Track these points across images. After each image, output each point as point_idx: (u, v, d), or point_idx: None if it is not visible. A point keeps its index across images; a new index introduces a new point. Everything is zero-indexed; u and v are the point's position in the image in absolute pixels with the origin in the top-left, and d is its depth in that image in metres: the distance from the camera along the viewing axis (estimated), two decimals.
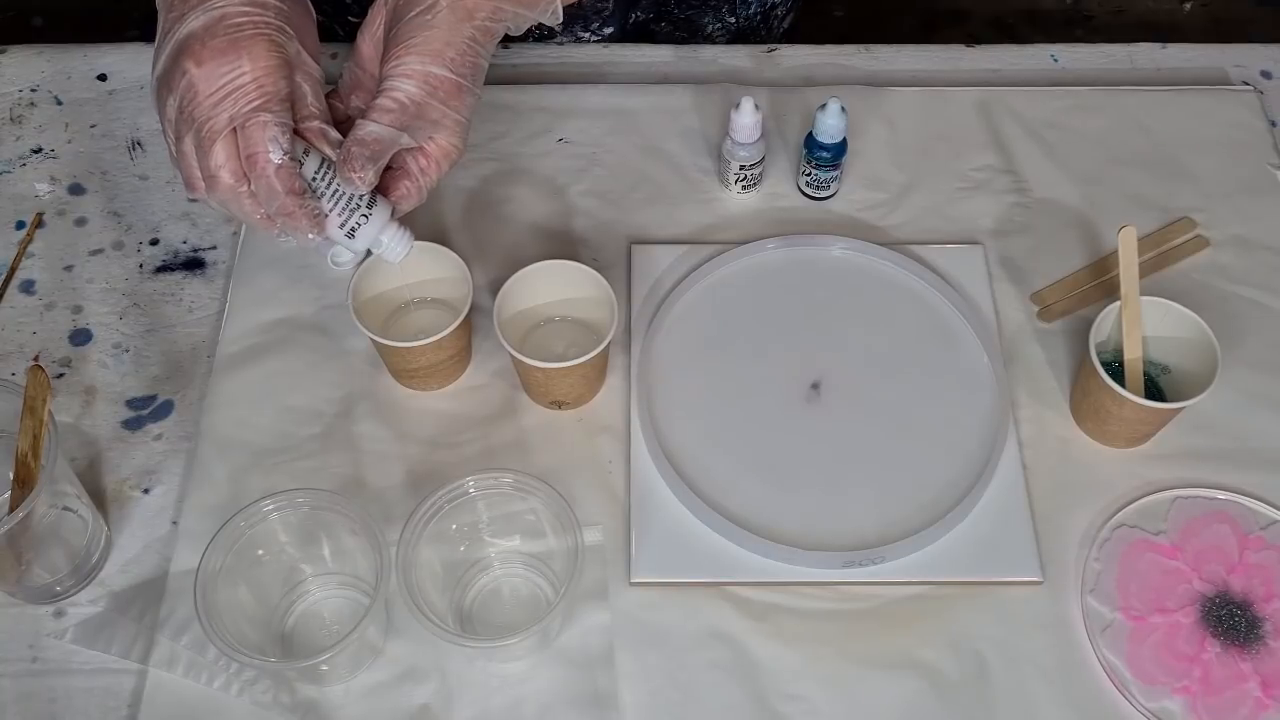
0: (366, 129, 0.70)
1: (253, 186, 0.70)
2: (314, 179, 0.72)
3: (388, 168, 0.75)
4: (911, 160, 0.96)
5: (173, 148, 0.71)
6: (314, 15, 0.74)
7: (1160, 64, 1.03)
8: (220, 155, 0.68)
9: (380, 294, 0.83)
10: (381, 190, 0.75)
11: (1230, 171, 0.95)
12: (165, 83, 0.69)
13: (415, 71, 0.70)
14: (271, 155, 0.68)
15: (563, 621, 0.74)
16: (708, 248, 0.90)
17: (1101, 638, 0.75)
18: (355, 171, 0.70)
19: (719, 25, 1.06)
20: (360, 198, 0.74)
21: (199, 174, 0.70)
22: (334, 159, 0.73)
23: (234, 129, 0.68)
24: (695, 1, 1.04)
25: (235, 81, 0.67)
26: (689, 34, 1.06)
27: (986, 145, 0.97)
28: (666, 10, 1.04)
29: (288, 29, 0.70)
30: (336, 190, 0.73)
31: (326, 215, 0.73)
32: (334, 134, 0.73)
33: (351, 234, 0.74)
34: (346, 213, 0.73)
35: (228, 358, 0.85)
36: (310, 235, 0.72)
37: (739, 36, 1.08)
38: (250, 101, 0.67)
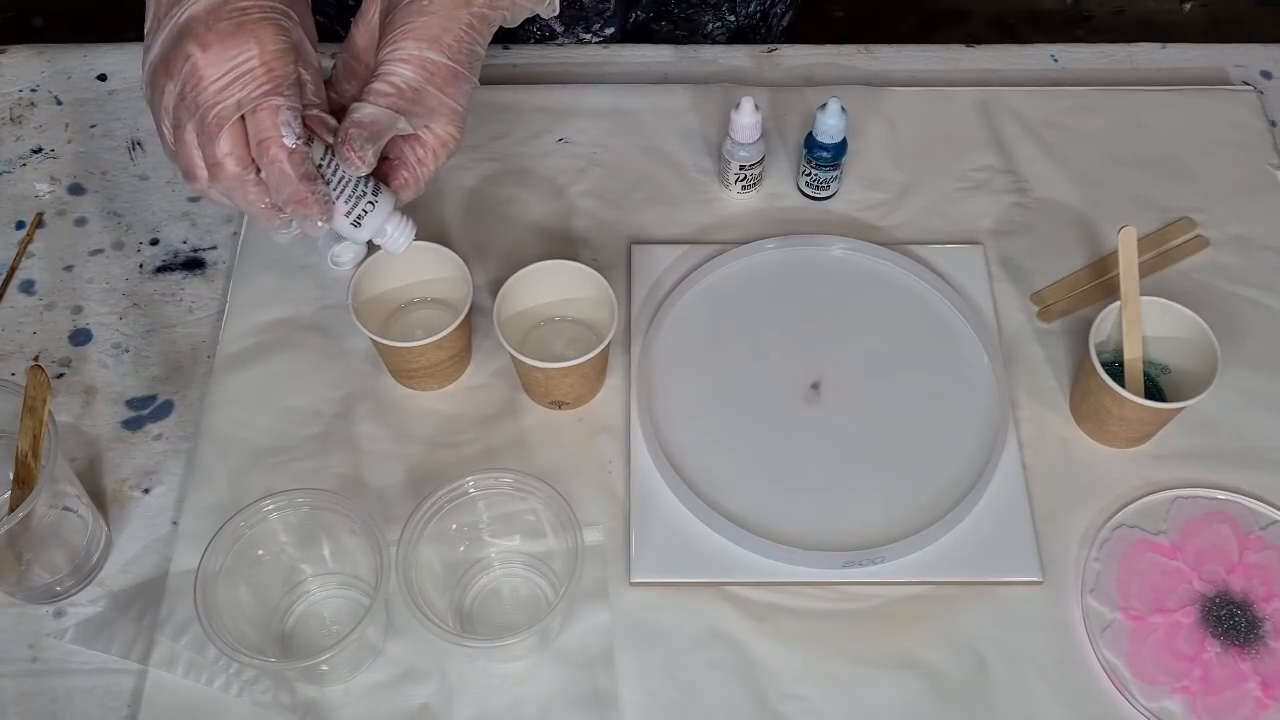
0: (363, 111, 0.70)
1: (263, 174, 0.69)
2: (320, 167, 0.71)
3: (385, 158, 0.74)
4: (911, 160, 0.96)
5: (169, 136, 0.69)
6: (310, 3, 0.74)
7: (1160, 64, 1.03)
8: (226, 143, 0.67)
9: (380, 294, 0.83)
10: (380, 181, 0.75)
11: (1230, 171, 0.95)
12: (164, 68, 0.67)
13: (412, 57, 0.70)
14: (285, 140, 0.67)
15: (563, 621, 0.74)
16: (708, 248, 0.90)
17: (1101, 638, 0.75)
18: (355, 152, 0.69)
19: (719, 24, 1.06)
20: (366, 185, 0.73)
21: (200, 163, 0.68)
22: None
23: (241, 115, 0.67)
24: (695, 0, 1.04)
25: (244, 66, 0.66)
26: (689, 33, 1.06)
27: (986, 145, 0.97)
28: (667, 9, 1.04)
29: (292, 14, 0.69)
30: (342, 178, 0.72)
31: (333, 203, 0.72)
32: (333, 122, 0.72)
33: (357, 223, 0.74)
34: (353, 200, 0.73)
35: (228, 358, 0.85)
36: (320, 223, 0.71)
37: (738, 34, 1.08)
38: (260, 86, 0.66)
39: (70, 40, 1.03)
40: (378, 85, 0.70)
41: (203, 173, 0.69)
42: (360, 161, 0.70)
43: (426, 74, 0.70)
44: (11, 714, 0.72)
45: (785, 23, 1.13)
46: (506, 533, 0.76)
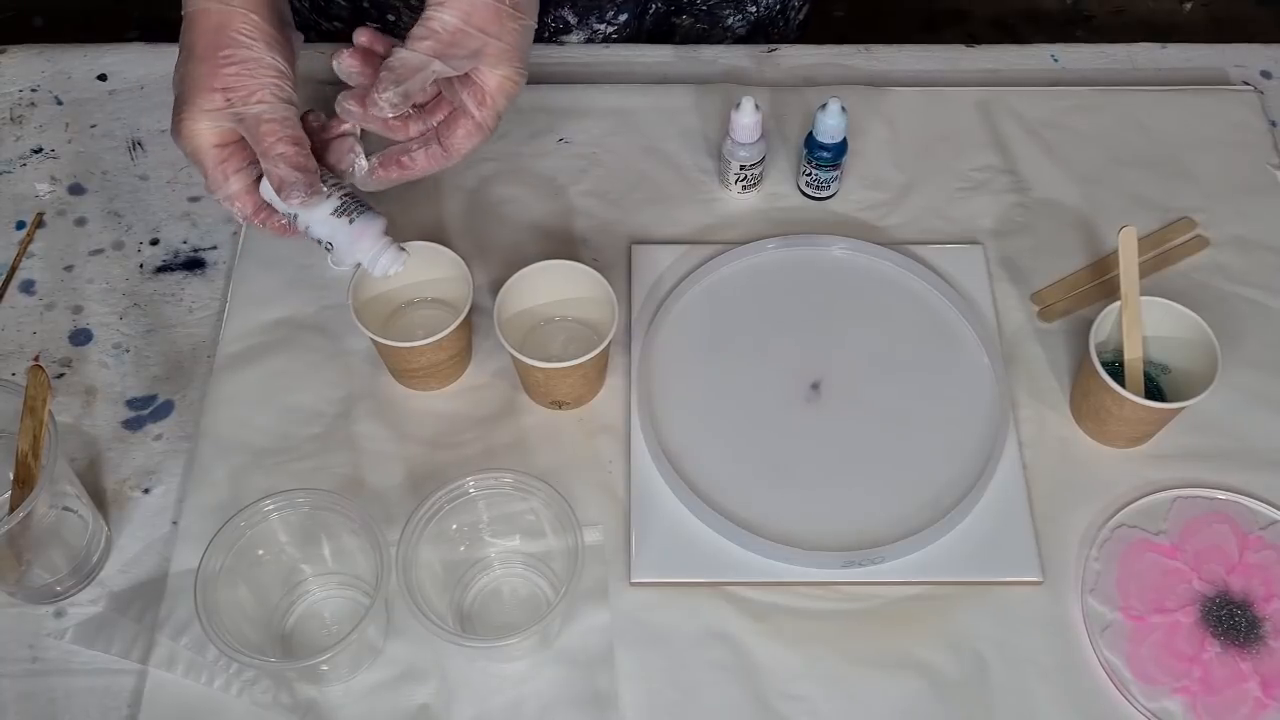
0: (395, 56, 0.73)
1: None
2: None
3: (448, 114, 0.77)
4: (911, 160, 0.96)
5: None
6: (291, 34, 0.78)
7: (1160, 64, 1.03)
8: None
9: (380, 294, 0.83)
10: (442, 138, 0.77)
11: (1230, 171, 0.95)
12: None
13: (453, 1, 0.72)
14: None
15: (563, 621, 0.74)
16: (708, 248, 0.90)
17: (1101, 638, 0.75)
18: (380, 93, 0.72)
19: (739, 16, 1.06)
20: (349, 210, 0.77)
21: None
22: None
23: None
24: None
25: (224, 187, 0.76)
26: (709, 26, 1.06)
27: (986, 145, 0.97)
28: (689, 1, 1.04)
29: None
30: (334, 202, 0.77)
31: (307, 227, 0.77)
32: (313, 165, 0.76)
33: (329, 248, 0.78)
34: (329, 224, 0.77)
35: (228, 358, 0.85)
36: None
37: (757, 26, 1.08)
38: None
39: (70, 40, 1.03)
40: (415, 30, 0.73)
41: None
42: (387, 105, 0.73)
43: (464, 15, 0.72)
44: (11, 714, 0.72)
45: (802, 16, 1.12)
46: (506, 533, 0.76)
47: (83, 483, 0.76)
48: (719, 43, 1.07)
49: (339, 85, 0.77)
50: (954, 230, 0.92)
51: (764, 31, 1.08)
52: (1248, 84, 1.01)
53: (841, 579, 0.77)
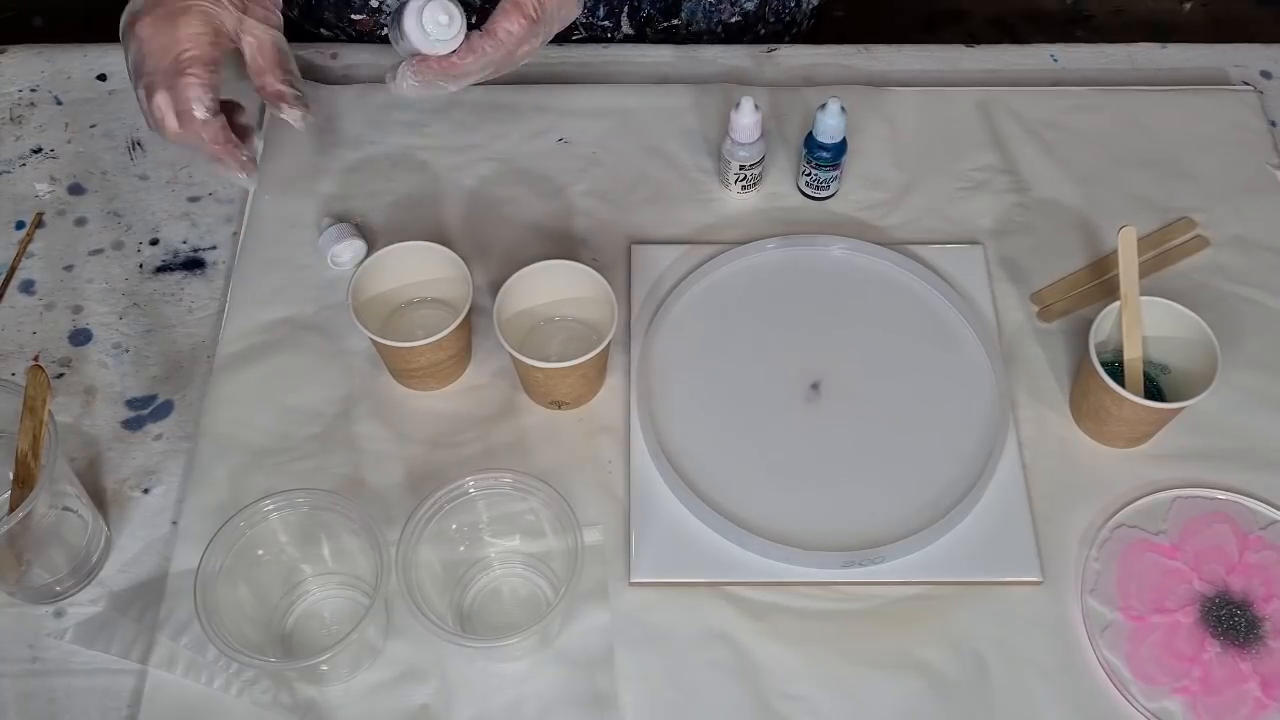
0: None
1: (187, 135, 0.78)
2: None
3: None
4: (911, 160, 0.96)
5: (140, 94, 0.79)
6: None
7: (1160, 64, 1.03)
8: (162, 105, 0.76)
9: (380, 294, 0.83)
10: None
11: (1230, 171, 0.95)
12: (124, 39, 0.79)
13: None
14: (195, 111, 0.76)
15: (563, 621, 0.74)
16: (708, 248, 0.90)
17: (1101, 638, 0.75)
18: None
19: None
20: None
21: (150, 116, 0.78)
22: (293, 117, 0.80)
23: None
24: None
25: (168, 48, 0.76)
26: (716, 0, 1.05)
27: (986, 145, 0.97)
28: None
29: (225, 3, 0.77)
30: None
31: (254, 163, 0.80)
32: (290, 92, 0.79)
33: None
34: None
35: (228, 358, 0.85)
36: (240, 176, 0.79)
37: (764, 5, 1.07)
38: (179, 65, 0.76)
39: (70, 40, 1.03)
40: None
41: (152, 123, 0.78)
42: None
43: None
44: (11, 714, 0.72)
45: (816, 2, 1.11)
46: (506, 533, 0.76)
47: (83, 483, 0.76)
48: (727, 16, 1.05)
49: None
50: (954, 230, 0.92)
51: (776, 12, 1.07)
52: (1247, 84, 1.01)
53: (841, 579, 0.77)
